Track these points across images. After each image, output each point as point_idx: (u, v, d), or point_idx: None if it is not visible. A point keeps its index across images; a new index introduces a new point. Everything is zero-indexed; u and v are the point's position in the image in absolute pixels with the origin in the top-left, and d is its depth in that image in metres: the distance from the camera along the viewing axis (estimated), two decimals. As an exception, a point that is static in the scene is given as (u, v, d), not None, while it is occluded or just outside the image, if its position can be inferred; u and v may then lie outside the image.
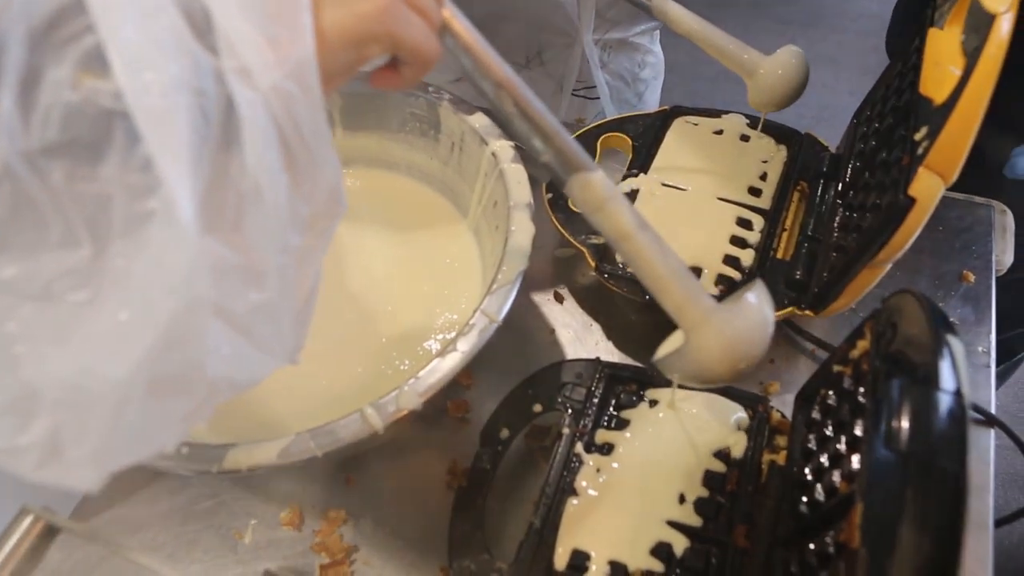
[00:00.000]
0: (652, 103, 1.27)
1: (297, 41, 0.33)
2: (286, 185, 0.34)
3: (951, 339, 0.42)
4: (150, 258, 0.31)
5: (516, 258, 0.63)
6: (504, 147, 0.72)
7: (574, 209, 0.79)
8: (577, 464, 0.61)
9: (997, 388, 1.47)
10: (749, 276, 0.72)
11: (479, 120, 0.75)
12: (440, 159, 0.81)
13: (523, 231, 0.65)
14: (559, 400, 0.65)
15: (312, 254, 0.39)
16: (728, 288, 0.72)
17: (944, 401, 0.39)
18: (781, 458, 0.60)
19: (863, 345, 0.51)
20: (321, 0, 0.35)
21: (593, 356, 0.69)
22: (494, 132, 0.74)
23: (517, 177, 0.69)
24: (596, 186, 0.46)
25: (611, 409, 0.65)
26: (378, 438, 0.56)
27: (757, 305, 0.48)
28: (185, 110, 0.30)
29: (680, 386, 0.64)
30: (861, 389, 0.50)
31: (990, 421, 0.70)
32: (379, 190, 0.85)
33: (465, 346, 0.58)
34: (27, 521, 0.56)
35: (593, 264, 0.74)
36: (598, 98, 1.17)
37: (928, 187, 0.55)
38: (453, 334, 0.60)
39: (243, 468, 0.53)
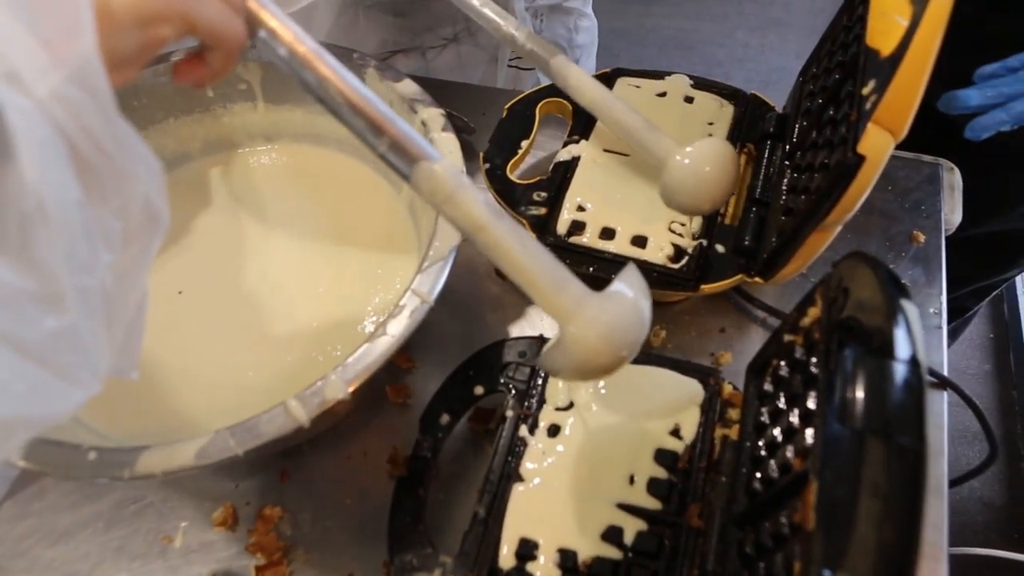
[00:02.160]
0: (589, 69, 1.23)
1: (75, 38, 0.29)
2: (78, 200, 0.30)
3: (905, 304, 0.39)
4: None
5: (449, 232, 0.59)
6: (434, 115, 0.68)
7: (513, 179, 0.76)
8: (522, 448, 0.58)
9: (948, 347, 1.49)
10: (696, 241, 0.69)
11: (407, 87, 0.70)
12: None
13: (457, 204, 0.61)
14: (502, 381, 0.62)
15: (133, 270, 0.36)
16: (676, 256, 0.69)
17: (900, 371, 0.36)
18: (734, 432, 0.57)
19: (814, 312, 0.49)
20: None
21: (538, 333, 0.66)
22: (424, 99, 0.70)
23: (449, 146, 0.65)
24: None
25: (557, 389, 0.61)
26: (307, 431, 0.52)
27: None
28: None
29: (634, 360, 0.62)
30: (813, 359, 0.47)
31: (943, 383, 0.68)
32: (306, 166, 0.80)
33: (396, 329, 0.54)
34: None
35: (534, 235, 0.71)
36: (532, 68, 1.13)
37: (878, 144, 0.52)
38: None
39: (158, 472, 0.49)
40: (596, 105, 0.70)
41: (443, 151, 0.65)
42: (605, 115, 0.70)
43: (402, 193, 0.75)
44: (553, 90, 0.84)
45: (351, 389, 0.51)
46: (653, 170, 0.74)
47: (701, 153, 0.64)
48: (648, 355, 0.63)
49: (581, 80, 0.70)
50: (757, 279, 0.66)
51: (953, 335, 1.43)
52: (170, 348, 0.67)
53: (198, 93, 0.77)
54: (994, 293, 1.23)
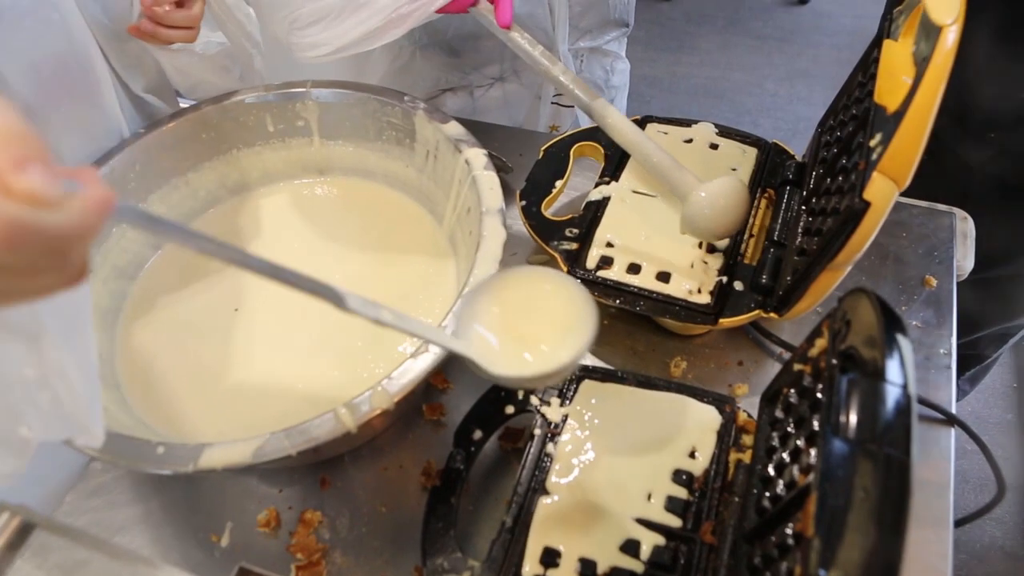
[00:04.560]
0: (621, 109, 1.29)
1: None
2: None
3: (899, 336, 0.44)
4: None
5: (487, 263, 0.64)
6: (477, 154, 0.73)
7: (547, 216, 0.81)
8: (548, 464, 0.62)
9: (969, 392, 1.50)
10: (717, 278, 0.74)
11: (453, 129, 0.77)
12: (416, 167, 0.82)
13: (494, 236, 0.66)
14: (531, 402, 0.67)
15: None
16: (697, 291, 0.73)
17: (890, 392, 0.40)
18: (747, 457, 0.61)
19: (821, 343, 0.53)
20: None
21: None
22: (468, 140, 0.75)
23: (489, 183, 0.71)
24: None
25: (583, 410, 0.66)
26: (353, 438, 0.57)
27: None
28: None
29: (655, 387, 0.66)
30: (819, 385, 0.51)
31: (950, 420, 0.72)
32: (356, 198, 0.86)
33: (436, 348, 0.59)
34: (2, 518, 0.56)
35: (565, 269, 0.76)
36: (572, 106, 1.19)
37: (882, 191, 0.57)
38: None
39: (219, 467, 0.54)
40: (630, 144, 0.79)
41: (484, 187, 0.70)
42: (638, 153, 0.79)
43: (443, 225, 0.81)
44: (586, 134, 0.90)
45: (396, 400, 0.56)
46: (676, 211, 0.79)
47: (718, 188, 0.74)
48: (668, 383, 0.68)
49: (619, 121, 0.79)
50: (772, 315, 0.71)
51: (973, 381, 1.45)
52: (225, 360, 0.73)
53: (261, 128, 0.84)
54: (1014, 340, 1.26)
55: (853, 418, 0.41)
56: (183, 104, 0.89)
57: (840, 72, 2.66)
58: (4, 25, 0.70)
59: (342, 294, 0.44)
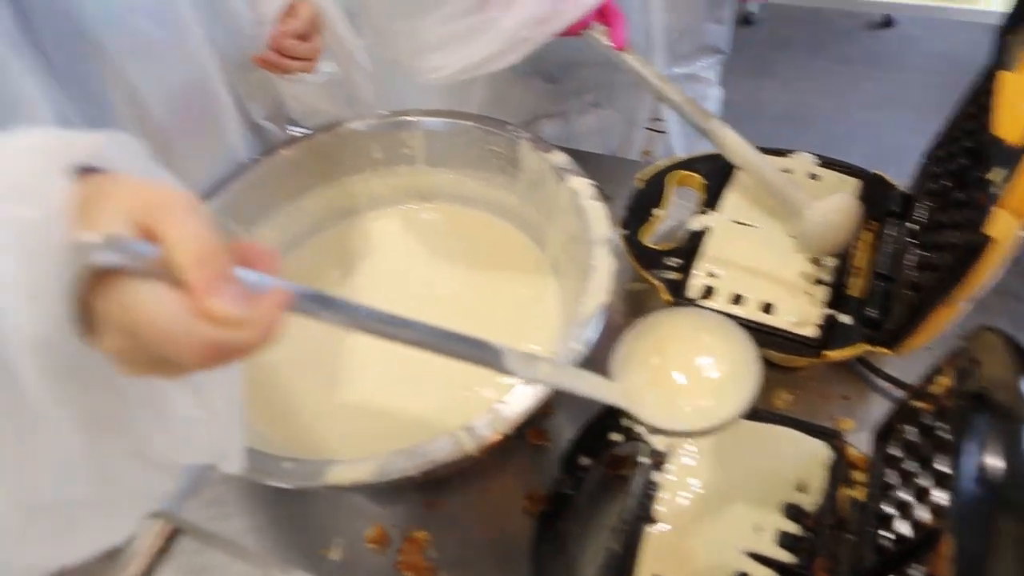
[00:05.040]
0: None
1: (51, 301, 0.32)
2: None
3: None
4: None
5: (598, 292, 0.65)
6: (583, 184, 0.75)
7: (648, 245, 0.82)
8: (655, 492, 0.63)
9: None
10: (823, 310, 0.73)
11: (558, 158, 0.78)
12: (518, 195, 0.84)
13: (604, 266, 0.67)
14: (637, 431, 0.67)
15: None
16: (803, 323, 0.73)
17: (1034, 438, 0.40)
18: (859, 493, 0.61)
19: (944, 382, 0.52)
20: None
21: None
22: (573, 169, 0.77)
23: (597, 213, 0.72)
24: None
25: (689, 440, 0.66)
26: (467, 461, 0.58)
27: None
28: None
29: (760, 418, 0.66)
30: (943, 425, 0.51)
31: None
32: (459, 223, 0.89)
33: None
34: (154, 523, 0.59)
35: (668, 299, 0.76)
36: (664, 132, 1.20)
37: (1005, 227, 0.56)
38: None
39: (344, 484, 0.56)
40: (746, 162, 0.82)
41: (592, 217, 0.72)
42: (754, 171, 0.82)
43: (546, 252, 0.82)
44: (684, 163, 0.90)
45: (515, 425, 0.57)
46: (780, 241, 0.79)
47: (831, 204, 0.78)
48: (773, 415, 0.67)
49: (734, 140, 0.82)
50: (882, 349, 0.70)
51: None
52: (338, 379, 0.75)
53: (369, 155, 0.87)
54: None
55: (993, 462, 0.40)
56: (293, 131, 0.93)
57: (929, 98, 2.61)
58: (150, 57, 0.75)
59: (499, 351, 0.47)
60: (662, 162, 0.91)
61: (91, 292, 0.32)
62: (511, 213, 0.86)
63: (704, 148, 1.24)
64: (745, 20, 3.07)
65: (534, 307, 0.79)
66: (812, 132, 2.52)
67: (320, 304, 0.39)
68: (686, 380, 0.54)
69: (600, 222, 0.71)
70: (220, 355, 0.33)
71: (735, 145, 0.82)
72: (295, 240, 0.88)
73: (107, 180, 0.35)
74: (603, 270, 0.67)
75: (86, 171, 0.35)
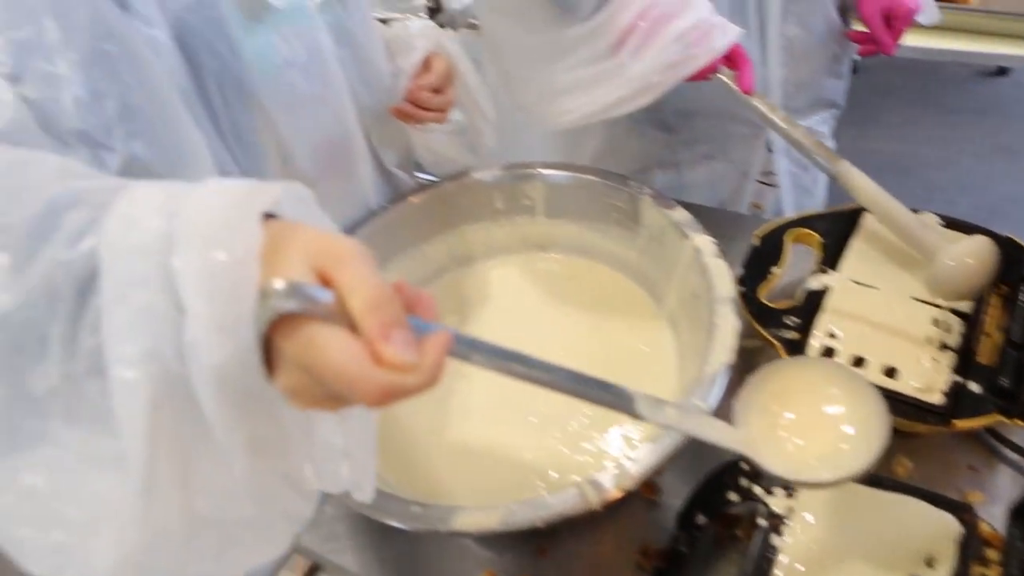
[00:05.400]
0: (824, 189, 1.28)
1: (241, 338, 0.35)
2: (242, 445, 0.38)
3: None
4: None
5: (722, 351, 0.66)
6: (706, 241, 0.76)
7: (766, 303, 0.82)
8: (773, 557, 0.62)
9: None
10: (950, 377, 0.72)
11: (680, 215, 0.80)
12: (638, 249, 0.85)
13: (728, 325, 0.68)
14: (755, 491, 0.67)
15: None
16: (928, 389, 0.71)
17: None
18: (994, 573, 0.59)
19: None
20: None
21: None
22: (694, 226, 0.78)
23: (720, 272, 0.73)
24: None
25: (809, 503, 0.65)
26: (591, 513, 0.59)
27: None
28: (149, 380, 0.35)
29: (883, 485, 0.65)
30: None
31: None
32: (576, 274, 0.91)
33: (676, 433, 0.61)
34: (296, 561, 0.62)
35: (786, 357, 0.76)
36: (775, 185, 1.20)
37: None
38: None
39: (471, 531, 0.58)
40: (876, 204, 0.82)
41: (715, 275, 0.72)
42: (883, 213, 0.82)
43: (663, 307, 0.83)
44: (800, 221, 0.90)
45: (639, 481, 0.58)
46: (904, 304, 0.78)
47: (967, 247, 0.78)
48: (896, 483, 0.66)
49: (863, 182, 0.83)
50: (1018, 421, 0.68)
51: None
52: (457, 423, 0.78)
53: (490, 205, 0.90)
54: None
55: None
56: (420, 177, 0.98)
57: (1045, 148, 2.50)
58: (299, 109, 0.80)
59: (632, 396, 0.49)
60: (779, 219, 0.91)
61: (274, 331, 0.35)
62: (629, 266, 0.88)
63: (814, 203, 1.24)
64: (852, 68, 3.01)
65: (650, 361, 0.80)
66: (915, 182, 2.45)
67: (472, 347, 0.41)
68: (810, 430, 0.54)
69: (723, 280, 0.72)
70: (391, 396, 0.36)
71: (865, 187, 0.82)
72: (417, 284, 0.91)
73: (287, 227, 0.38)
74: (727, 329, 0.68)
75: (267, 217, 0.38)
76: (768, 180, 1.19)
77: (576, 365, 0.80)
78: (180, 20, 0.67)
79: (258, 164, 0.79)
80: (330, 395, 0.37)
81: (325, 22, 0.81)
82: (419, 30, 0.93)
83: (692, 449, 0.77)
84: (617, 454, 0.72)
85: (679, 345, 0.80)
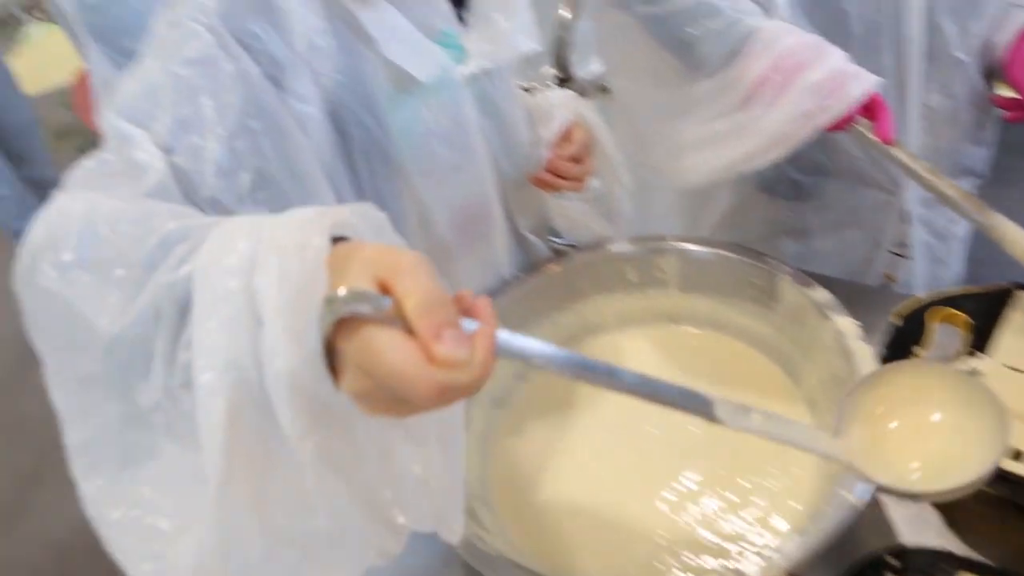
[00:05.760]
0: (962, 260, 1.23)
1: (309, 342, 0.38)
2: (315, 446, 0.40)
3: None
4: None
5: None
6: (849, 324, 0.75)
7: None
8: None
9: None
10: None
11: (820, 295, 0.79)
12: (774, 327, 0.85)
13: (874, 413, 0.66)
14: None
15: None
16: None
17: None
18: None
19: None
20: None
21: (932, 545, 0.68)
22: (836, 307, 0.77)
23: (864, 356, 0.71)
24: None
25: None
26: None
27: None
28: (228, 388, 0.39)
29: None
30: None
31: None
32: (709, 349, 0.90)
33: (827, 525, 0.60)
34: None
35: None
36: (909, 258, 1.16)
37: None
38: (792, 502, 0.64)
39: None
40: None
41: (859, 360, 0.71)
42: None
43: (801, 387, 0.82)
44: (946, 300, 0.87)
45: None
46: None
47: None
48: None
49: (1020, 235, 0.78)
50: None
51: None
52: (589, 498, 0.78)
53: (623, 277, 0.92)
54: None
55: None
56: (553, 241, 1.00)
57: None
58: (440, 176, 0.83)
59: (710, 400, 0.49)
60: (922, 297, 0.88)
61: (337, 335, 0.38)
62: (765, 343, 0.87)
63: (951, 275, 1.19)
64: (996, 135, 2.89)
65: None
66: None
67: (526, 348, 0.44)
68: (917, 440, 0.52)
69: (868, 366, 0.70)
70: (446, 393, 0.38)
71: (1021, 241, 0.78)
72: (549, 354, 0.93)
73: (354, 245, 0.41)
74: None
75: (337, 240, 0.42)
76: (901, 251, 1.16)
77: (708, 440, 0.80)
78: (332, 94, 0.72)
79: (398, 228, 0.81)
80: (393, 398, 0.39)
81: (471, 93, 0.84)
82: (560, 100, 0.96)
83: (835, 542, 0.75)
84: (756, 540, 0.71)
85: (819, 427, 0.78)
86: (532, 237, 1.00)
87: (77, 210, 0.49)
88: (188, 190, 0.58)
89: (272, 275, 0.39)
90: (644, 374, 0.47)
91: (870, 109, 0.81)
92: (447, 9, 0.84)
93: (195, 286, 0.41)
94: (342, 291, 0.38)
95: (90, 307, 0.44)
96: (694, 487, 0.77)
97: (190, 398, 0.41)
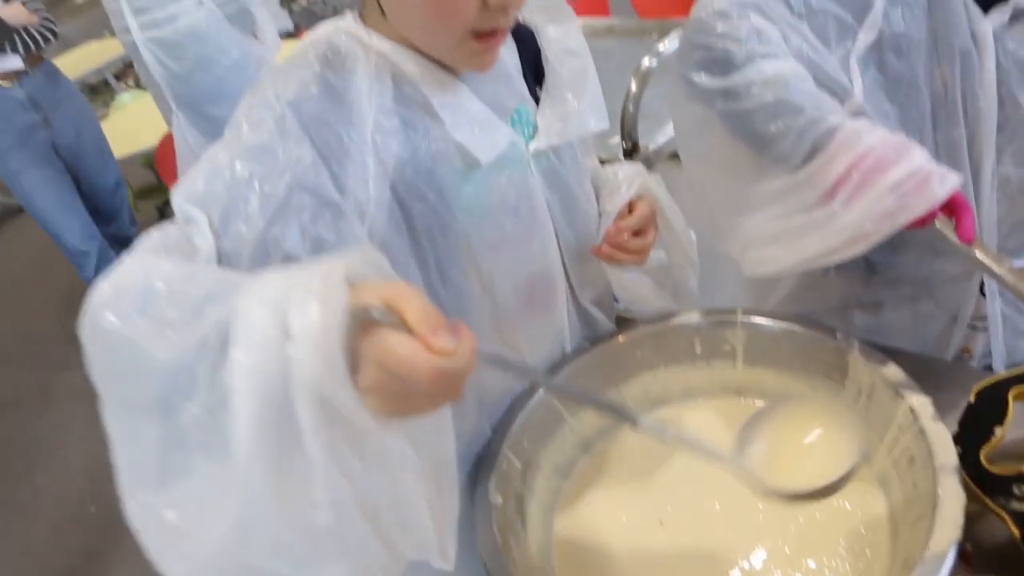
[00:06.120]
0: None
1: (332, 351, 0.47)
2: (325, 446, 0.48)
3: None
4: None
5: (949, 526, 0.62)
6: (923, 403, 0.73)
7: (988, 469, 0.76)
8: None
9: None
10: None
11: (893, 372, 0.77)
12: (844, 402, 0.83)
13: (954, 497, 0.65)
14: None
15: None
16: None
17: None
18: None
19: None
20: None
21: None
22: (910, 385, 0.75)
23: (941, 437, 0.70)
24: None
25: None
26: None
27: None
28: (256, 391, 0.47)
29: None
30: None
31: None
32: (774, 421, 0.88)
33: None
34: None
35: (1017, 533, 0.70)
36: (986, 329, 1.13)
37: None
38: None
39: None
40: None
41: (936, 441, 0.69)
42: None
43: (873, 465, 0.80)
44: (1025, 378, 0.84)
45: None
46: None
47: None
48: None
49: None
50: None
51: None
52: (651, 574, 0.77)
53: (689, 349, 0.92)
54: None
55: None
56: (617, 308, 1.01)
57: None
58: (506, 248, 0.86)
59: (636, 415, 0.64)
60: (1000, 374, 0.85)
61: (359, 339, 0.49)
62: (831, 415, 0.85)
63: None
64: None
65: (858, 522, 0.77)
66: None
67: (495, 360, 0.57)
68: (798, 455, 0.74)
69: (945, 448, 0.69)
70: (443, 376, 0.49)
71: None
72: (612, 425, 0.94)
73: (366, 284, 0.52)
74: (953, 502, 0.64)
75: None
76: (977, 324, 1.13)
77: (776, 516, 0.78)
78: (395, 172, 0.76)
79: (461, 299, 0.84)
80: (400, 392, 0.49)
81: (539, 168, 0.87)
82: (627, 175, 0.98)
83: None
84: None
85: (890, 509, 0.76)
86: (594, 309, 1.01)
87: (137, 270, 0.58)
88: (229, 268, 0.66)
89: (300, 296, 0.48)
90: (582, 391, 0.61)
91: (951, 207, 0.80)
92: (521, 87, 0.88)
93: (235, 315, 0.49)
94: (360, 305, 0.49)
95: (148, 343, 0.52)
96: (759, 566, 0.76)
97: (225, 415, 0.48)
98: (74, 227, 2.92)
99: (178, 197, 0.68)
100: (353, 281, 0.51)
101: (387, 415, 0.50)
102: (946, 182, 0.77)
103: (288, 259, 0.68)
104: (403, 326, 0.49)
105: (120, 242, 3.23)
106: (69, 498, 2.69)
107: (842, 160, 0.79)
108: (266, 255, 0.68)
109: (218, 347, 0.50)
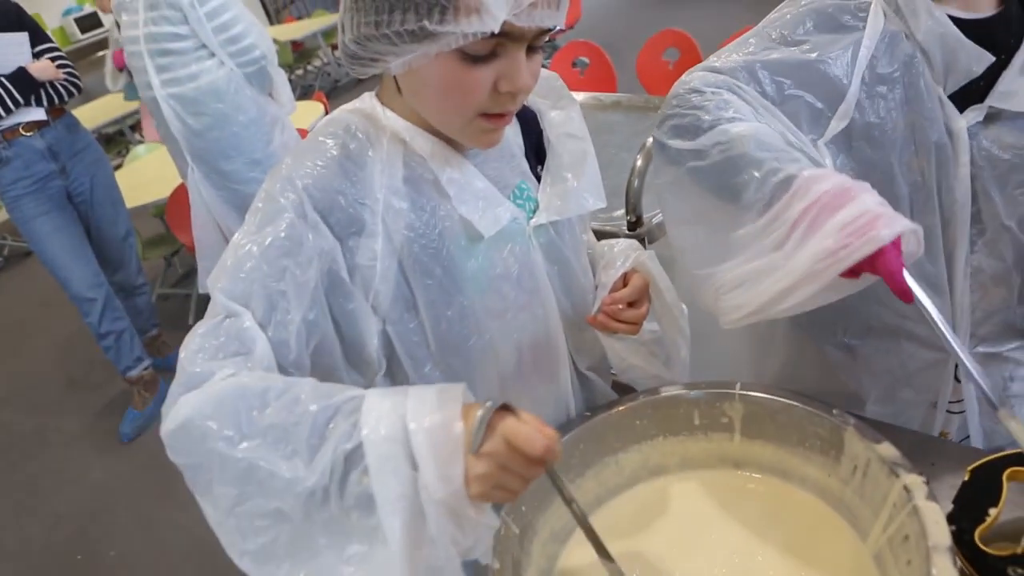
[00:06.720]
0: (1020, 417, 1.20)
1: (454, 481, 0.62)
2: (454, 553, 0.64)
3: None
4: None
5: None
6: (917, 482, 0.74)
7: (982, 547, 0.77)
8: None
9: None
10: None
11: (887, 450, 0.78)
12: (839, 478, 0.84)
13: (947, 577, 0.65)
14: None
15: None
16: None
17: None
18: None
19: None
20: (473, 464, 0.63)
21: None
22: (904, 464, 0.77)
23: (935, 517, 0.70)
24: None
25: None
26: None
27: None
28: (402, 512, 0.61)
29: None
30: None
31: None
32: (772, 496, 0.90)
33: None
34: None
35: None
36: (962, 412, 1.14)
37: None
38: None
39: None
40: None
41: (929, 520, 0.70)
42: None
43: (867, 543, 0.81)
44: (1020, 458, 0.85)
45: None
46: None
47: None
48: None
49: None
50: None
51: None
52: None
53: (688, 420, 0.93)
54: None
55: None
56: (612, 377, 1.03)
57: None
58: (508, 317, 0.89)
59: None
60: (996, 454, 0.86)
61: (493, 421, 0.64)
62: (829, 494, 0.86)
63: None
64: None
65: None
66: None
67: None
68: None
69: (939, 527, 0.69)
70: (550, 452, 0.63)
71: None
72: (611, 492, 0.95)
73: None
74: (946, 583, 0.65)
75: None
76: (953, 408, 1.14)
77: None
78: (402, 248, 0.81)
79: (467, 366, 0.87)
80: (506, 470, 0.63)
81: (539, 241, 0.91)
82: (622, 249, 1.03)
83: None
84: None
85: (887, 584, 0.76)
86: (592, 375, 1.04)
87: (223, 386, 0.68)
88: (280, 355, 0.75)
89: (421, 435, 0.62)
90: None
91: (876, 264, 0.76)
92: (523, 164, 0.93)
93: (367, 451, 0.62)
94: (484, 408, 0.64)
95: (273, 466, 0.64)
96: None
97: (357, 514, 0.63)
98: (82, 274, 2.95)
99: (219, 295, 0.75)
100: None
101: (483, 500, 0.63)
102: (894, 226, 0.75)
103: (324, 336, 0.79)
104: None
105: (126, 290, 3.26)
106: (56, 546, 2.67)
107: (797, 205, 0.80)
108: (307, 336, 0.77)
109: (343, 470, 0.62)
